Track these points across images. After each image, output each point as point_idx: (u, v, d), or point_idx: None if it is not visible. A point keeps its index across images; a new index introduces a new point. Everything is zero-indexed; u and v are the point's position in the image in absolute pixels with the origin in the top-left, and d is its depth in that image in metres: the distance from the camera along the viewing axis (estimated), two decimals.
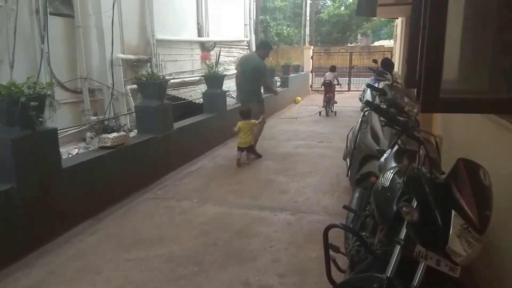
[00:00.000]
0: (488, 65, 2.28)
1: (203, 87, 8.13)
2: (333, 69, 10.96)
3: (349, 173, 4.11)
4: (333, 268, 2.01)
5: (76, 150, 5.76)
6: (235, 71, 6.92)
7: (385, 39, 26.20)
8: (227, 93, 7.81)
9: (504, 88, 2.15)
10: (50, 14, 5.89)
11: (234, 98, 9.45)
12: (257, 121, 5.91)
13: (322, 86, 10.90)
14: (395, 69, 9.55)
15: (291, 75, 12.78)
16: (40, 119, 3.29)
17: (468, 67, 2.39)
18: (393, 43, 16.81)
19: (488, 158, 2.14)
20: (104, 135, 4.19)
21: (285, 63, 13.35)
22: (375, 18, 21.58)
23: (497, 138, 2.28)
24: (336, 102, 10.78)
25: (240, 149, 5.75)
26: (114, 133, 4.23)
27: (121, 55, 7.02)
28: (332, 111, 10.48)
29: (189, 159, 5.91)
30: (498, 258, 2.10)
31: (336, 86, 10.86)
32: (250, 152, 5.91)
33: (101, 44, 6.65)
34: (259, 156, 6.07)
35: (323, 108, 10.39)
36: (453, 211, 1.39)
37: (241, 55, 12.52)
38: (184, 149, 5.76)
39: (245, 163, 5.77)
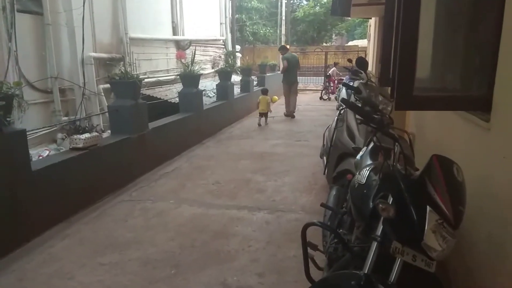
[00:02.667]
0: (459, 64, 2.34)
1: (178, 86, 8.03)
2: (335, 64, 15.20)
3: (326, 171, 4.15)
4: (312, 266, 2.01)
5: (47, 152, 5.57)
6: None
7: (359, 39, 26.65)
8: (203, 92, 7.74)
9: (475, 85, 2.21)
10: (18, 11, 5.67)
11: (210, 97, 9.41)
12: (269, 98, 9.01)
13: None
14: (369, 68, 9.73)
15: (267, 74, 12.79)
16: (7, 120, 3.16)
17: (440, 65, 2.45)
18: (367, 43, 17.10)
19: (459, 154, 2.19)
20: (75, 136, 4.06)
21: (262, 62, 13.33)
22: (349, 18, 21.90)
23: (468, 134, 2.34)
24: (333, 93, 13.92)
25: (261, 114, 8.75)
26: (86, 134, 4.11)
27: (93, 54, 6.84)
28: (328, 97, 13.81)
29: (165, 159, 5.82)
30: (469, 252, 2.16)
31: (335, 78, 14.44)
32: (266, 117, 8.85)
33: (72, 42, 6.46)
34: (293, 116, 9.74)
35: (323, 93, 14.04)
36: (428, 207, 1.41)
37: (216, 53, 12.55)
38: (159, 150, 5.67)
39: (266, 125, 8.72)
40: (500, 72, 1.87)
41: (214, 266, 2.98)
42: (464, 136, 2.42)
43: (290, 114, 9.82)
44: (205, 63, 11.66)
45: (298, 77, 10.33)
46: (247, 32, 23.63)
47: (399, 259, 1.45)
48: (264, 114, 8.77)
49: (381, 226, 1.53)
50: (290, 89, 9.82)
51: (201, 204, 4.20)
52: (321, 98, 13.89)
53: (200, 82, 7.28)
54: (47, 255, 3.19)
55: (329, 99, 13.71)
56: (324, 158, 4.36)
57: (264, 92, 9.03)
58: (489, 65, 1.93)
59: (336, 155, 3.57)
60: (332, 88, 14.29)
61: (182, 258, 3.11)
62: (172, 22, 10.11)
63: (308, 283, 1.89)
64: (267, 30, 24.87)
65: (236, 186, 4.74)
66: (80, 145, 4.05)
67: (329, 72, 14.84)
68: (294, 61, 9.87)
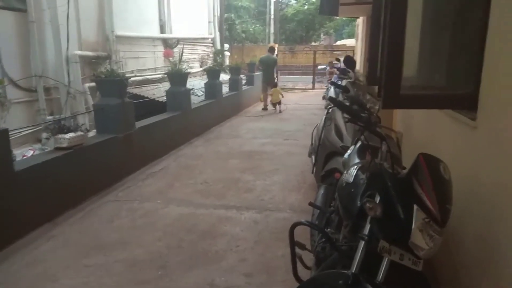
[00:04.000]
0: (446, 62, 2.35)
1: (166, 85, 7.95)
2: (330, 63, 14.92)
3: (314, 170, 4.14)
4: (300, 265, 2.00)
5: (31, 152, 5.47)
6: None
7: (347, 38, 26.80)
8: (191, 91, 7.68)
9: (461, 84, 2.22)
10: (1, 8, 5.58)
11: (199, 96, 9.35)
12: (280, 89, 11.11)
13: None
14: (357, 67, 9.80)
15: (256, 73, 12.78)
16: None
17: (427, 64, 2.46)
18: (354, 42, 17.21)
19: (446, 153, 2.20)
20: (60, 136, 3.98)
21: (251, 61, 13.30)
22: (337, 17, 22.01)
23: (455, 133, 2.36)
24: None
25: (274, 104, 10.65)
26: (71, 133, 4.03)
27: (78, 52, 6.73)
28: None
29: (152, 159, 5.75)
30: (455, 251, 2.17)
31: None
32: (279, 105, 10.61)
33: (56, 40, 6.35)
34: (266, 109, 10.92)
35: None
36: (414, 205, 1.41)
37: (205, 52, 12.56)
38: (147, 149, 5.61)
39: (280, 112, 10.48)
40: (486, 70, 1.88)
41: (202, 266, 2.95)
42: (451, 135, 2.44)
43: (265, 107, 10.98)
44: (193, 61, 11.59)
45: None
46: (237, 31, 23.56)
47: (387, 258, 1.44)
48: (277, 103, 10.60)
49: (369, 225, 1.52)
50: (267, 87, 10.89)
51: (189, 204, 4.16)
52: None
53: (188, 80, 7.21)
54: (31, 257, 3.12)
55: None
56: (313, 157, 4.35)
57: (275, 85, 10.81)
58: (475, 64, 1.94)
59: (324, 154, 3.56)
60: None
61: (169, 258, 3.07)
62: (160, 20, 10.02)
63: (296, 283, 1.88)
64: (256, 27, 24.83)
65: (224, 185, 4.71)
66: (65, 145, 3.97)
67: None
68: (269, 62, 10.80)
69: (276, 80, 11.16)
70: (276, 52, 15.56)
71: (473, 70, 1.98)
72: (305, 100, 13.50)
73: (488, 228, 1.77)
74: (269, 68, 10.76)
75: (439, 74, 2.46)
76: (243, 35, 23.65)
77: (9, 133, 3.36)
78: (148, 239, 3.39)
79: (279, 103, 10.58)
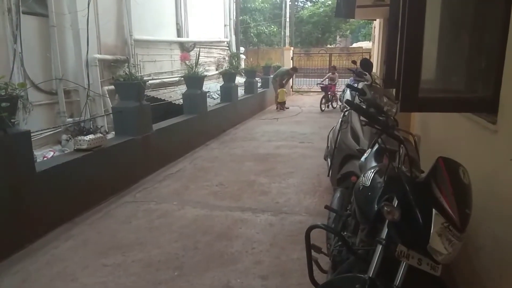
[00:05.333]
0: (464, 65, 2.32)
1: (183, 88, 8.04)
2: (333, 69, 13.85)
3: (330, 173, 4.12)
4: (315, 269, 1.99)
5: (52, 153, 5.60)
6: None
7: (363, 40, 26.56)
8: (207, 94, 7.74)
9: (481, 87, 2.18)
10: (23, 13, 5.72)
11: (214, 99, 9.43)
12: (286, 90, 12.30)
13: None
14: (374, 70, 9.72)
15: (271, 76, 12.81)
16: (12, 121, 3.17)
17: (445, 67, 2.42)
18: (371, 45, 17.05)
19: (465, 156, 2.17)
20: (79, 137, 4.07)
21: (266, 64, 13.35)
22: (353, 19, 21.84)
23: (474, 136, 2.32)
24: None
25: (279, 103, 11.69)
26: (90, 135, 4.11)
27: (98, 55, 6.87)
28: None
29: (169, 161, 5.82)
30: (475, 255, 2.13)
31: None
32: (284, 105, 11.70)
33: (76, 44, 6.49)
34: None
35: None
36: (433, 209, 1.39)
37: (221, 55, 12.69)
38: (163, 151, 5.67)
39: (284, 110, 11.48)
40: (507, 73, 1.85)
41: (218, 268, 2.97)
42: (470, 138, 2.40)
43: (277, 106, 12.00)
44: (209, 64, 11.68)
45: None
46: (251, 34, 23.62)
47: (404, 263, 1.43)
48: (282, 102, 11.66)
49: (386, 229, 1.51)
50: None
51: (205, 205, 4.19)
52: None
53: (204, 83, 7.28)
54: (51, 256, 3.20)
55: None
56: (328, 160, 4.33)
57: (282, 86, 11.75)
58: (495, 66, 1.91)
59: (341, 157, 3.55)
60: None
61: (185, 260, 3.10)
62: (177, 24, 10.14)
63: (312, 286, 1.88)
64: (272, 28, 24.84)
65: (239, 187, 4.73)
66: (85, 146, 4.06)
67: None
68: (279, 72, 12.29)
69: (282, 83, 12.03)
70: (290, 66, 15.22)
71: (493, 72, 1.95)
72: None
73: (508, 231, 1.74)
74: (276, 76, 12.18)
75: (458, 76, 2.43)
76: (255, 39, 23.73)
77: (31, 135, 3.45)
78: (164, 240, 3.43)
79: (284, 102, 11.69)
